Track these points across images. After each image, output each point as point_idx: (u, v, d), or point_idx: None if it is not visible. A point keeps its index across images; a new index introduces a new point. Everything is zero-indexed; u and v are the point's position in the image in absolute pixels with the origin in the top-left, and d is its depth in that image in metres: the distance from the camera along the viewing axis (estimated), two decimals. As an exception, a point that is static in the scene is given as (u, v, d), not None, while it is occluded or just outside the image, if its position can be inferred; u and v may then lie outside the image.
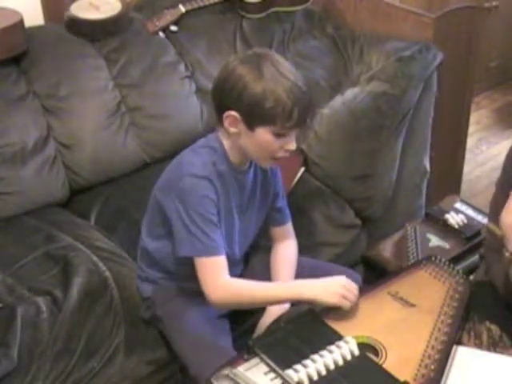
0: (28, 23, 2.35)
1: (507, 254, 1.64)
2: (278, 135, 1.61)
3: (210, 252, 1.64)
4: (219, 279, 1.65)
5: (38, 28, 2.49)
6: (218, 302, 1.67)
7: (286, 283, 1.76)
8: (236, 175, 1.72)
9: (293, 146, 1.65)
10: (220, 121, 1.65)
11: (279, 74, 1.58)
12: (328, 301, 1.59)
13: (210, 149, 1.69)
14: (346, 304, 1.58)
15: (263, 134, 1.61)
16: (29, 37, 2.35)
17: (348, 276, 1.90)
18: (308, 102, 1.62)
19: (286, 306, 1.77)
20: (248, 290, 1.68)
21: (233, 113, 1.61)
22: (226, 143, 1.69)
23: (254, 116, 1.59)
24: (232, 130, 1.64)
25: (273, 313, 1.76)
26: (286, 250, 1.89)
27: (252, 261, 1.95)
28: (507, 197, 1.71)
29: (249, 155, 1.70)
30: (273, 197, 1.86)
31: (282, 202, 1.90)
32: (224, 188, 1.69)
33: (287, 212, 1.92)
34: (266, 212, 1.86)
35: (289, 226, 1.92)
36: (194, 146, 1.74)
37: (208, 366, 1.52)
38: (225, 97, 1.62)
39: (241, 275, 1.84)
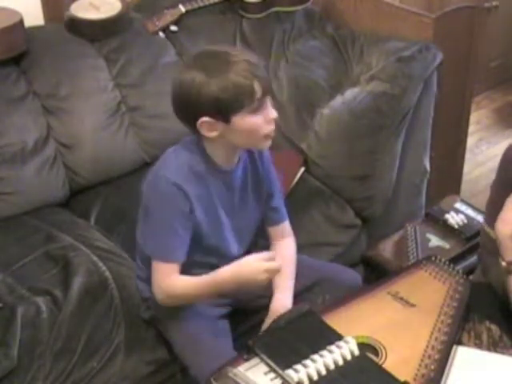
0: (28, 23, 2.35)
1: (503, 264, 1.64)
2: (253, 112, 1.61)
3: (163, 257, 1.69)
4: (164, 281, 1.69)
5: (38, 28, 2.50)
6: (161, 303, 1.73)
7: (219, 276, 1.70)
8: (221, 175, 1.72)
9: (273, 113, 1.66)
10: (196, 131, 1.65)
11: (223, 63, 1.58)
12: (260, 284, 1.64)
13: (188, 151, 1.70)
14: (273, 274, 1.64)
15: (242, 120, 1.61)
16: (29, 37, 2.35)
17: (348, 275, 1.91)
18: (261, 68, 1.63)
19: (289, 303, 1.77)
20: (184, 289, 1.70)
21: (204, 119, 1.61)
22: (209, 146, 1.69)
23: (223, 111, 1.59)
24: (213, 133, 1.64)
25: (276, 311, 1.75)
26: (285, 250, 1.88)
27: None
28: (502, 199, 1.71)
29: (243, 146, 1.71)
30: (268, 196, 1.85)
31: (278, 202, 1.89)
32: (204, 189, 1.69)
33: (284, 211, 1.91)
34: (262, 211, 1.86)
35: (286, 225, 1.92)
36: (173, 148, 1.75)
37: (208, 366, 1.52)
38: (187, 110, 1.63)
39: None
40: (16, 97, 2.29)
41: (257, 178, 1.81)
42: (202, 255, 1.74)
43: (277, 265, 1.63)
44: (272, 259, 1.63)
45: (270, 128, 1.66)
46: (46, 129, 2.33)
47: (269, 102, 1.66)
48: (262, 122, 1.64)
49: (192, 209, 1.68)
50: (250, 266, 1.63)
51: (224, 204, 1.74)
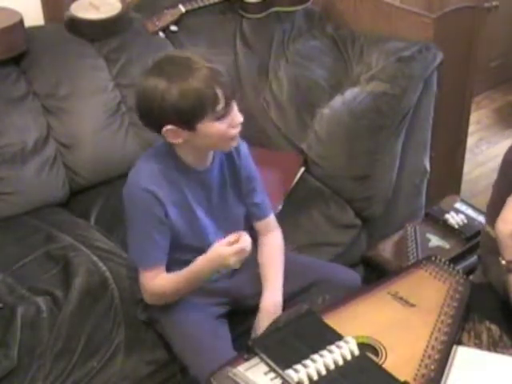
0: (28, 23, 2.35)
1: (503, 263, 1.64)
2: (218, 119, 1.61)
3: (143, 264, 1.73)
4: (148, 284, 1.73)
5: (38, 28, 2.50)
6: (151, 303, 1.77)
7: (195, 267, 1.72)
8: (195, 176, 1.72)
9: (238, 118, 1.65)
10: (163, 138, 1.65)
11: (185, 70, 1.56)
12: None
13: (160, 156, 1.70)
14: (235, 263, 1.66)
15: (206, 127, 1.60)
16: (29, 37, 2.35)
17: (348, 276, 1.91)
18: (225, 76, 1.61)
19: (279, 301, 1.78)
20: (167, 286, 1.73)
21: (168, 127, 1.60)
22: (179, 149, 1.69)
23: (186, 119, 1.58)
24: (177, 140, 1.63)
25: (266, 309, 1.77)
26: (271, 243, 1.89)
27: None
28: (503, 200, 1.71)
29: (209, 150, 1.72)
30: (249, 192, 1.85)
31: (260, 197, 1.88)
32: (177, 192, 1.70)
33: (267, 205, 1.91)
34: (243, 207, 1.86)
35: (270, 219, 1.92)
36: (145, 154, 1.76)
37: (208, 366, 1.52)
38: (150, 117, 1.62)
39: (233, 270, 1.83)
40: (16, 97, 2.29)
41: (234, 174, 1.81)
42: (183, 253, 1.75)
43: (241, 246, 1.64)
44: (236, 241, 1.64)
45: (235, 131, 1.66)
46: (46, 129, 2.33)
47: (235, 107, 1.65)
48: (227, 127, 1.63)
49: (167, 213, 1.69)
50: (217, 253, 1.66)
51: (202, 204, 1.75)
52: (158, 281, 1.72)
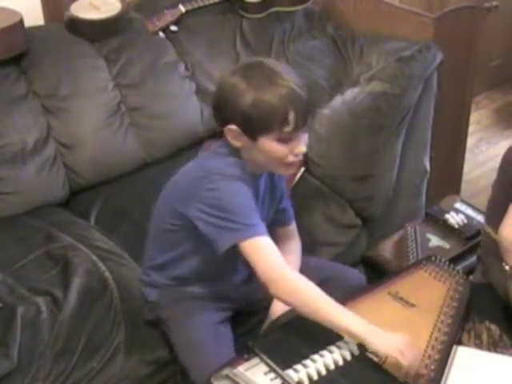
0: (28, 23, 2.35)
1: (507, 268, 1.64)
2: (281, 141, 1.59)
3: (252, 233, 1.57)
4: (272, 265, 1.56)
5: (38, 28, 2.50)
6: (278, 297, 1.59)
7: (352, 313, 1.53)
8: (252, 181, 1.68)
9: (301, 148, 1.62)
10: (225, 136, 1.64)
11: (268, 81, 1.56)
12: (384, 354, 1.46)
13: (233, 156, 1.65)
14: (404, 361, 1.44)
15: (267, 143, 1.59)
16: (29, 37, 2.35)
17: (352, 275, 1.90)
18: (305, 103, 1.59)
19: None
20: (312, 292, 1.54)
21: (232, 127, 1.59)
22: (243, 153, 1.66)
23: (251, 127, 1.57)
24: (236, 143, 1.62)
25: (275, 315, 1.74)
26: (290, 254, 1.84)
27: None
28: (503, 200, 1.71)
29: (263, 167, 1.68)
30: (279, 199, 1.84)
31: (286, 203, 1.88)
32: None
33: (291, 213, 1.90)
34: (272, 215, 1.84)
35: (292, 228, 1.91)
36: (209, 155, 1.70)
37: (209, 371, 1.50)
38: (221, 112, 1.62)
39: (249, 276, 1.81)
40: (16, 97, 2.29)
41: (272, 183, 1.80)
42: (216, 263, 1.72)
43: (411, 359, 1.46)
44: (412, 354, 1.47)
45: (292, 159, 1.63)
46: (46, 129, 2.33)
47: (302, 138, 1.62)
48: (287, 152, 1.61)
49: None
50: (402, 336, 1.49)
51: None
52: (291, 271, 1.58)
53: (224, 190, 1.59)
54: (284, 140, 1.59)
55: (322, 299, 1.52)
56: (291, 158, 1.62)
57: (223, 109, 1.60)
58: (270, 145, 1.59)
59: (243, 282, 1.84)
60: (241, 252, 1.58)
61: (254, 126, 1.57)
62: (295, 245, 1.90)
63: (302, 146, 1.62)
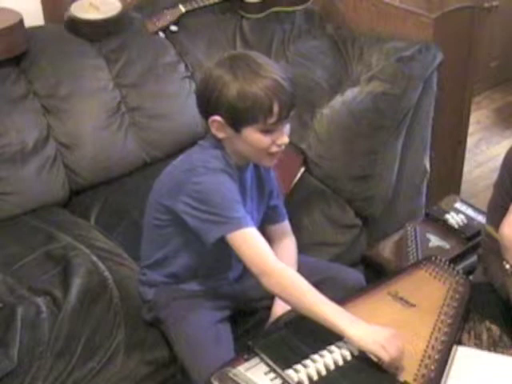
0: (28, 23, 2.35)
1: (507, 267, 1.64)
2: (265, 132, 1.61)
3: (238, 225, 1.59)
4: (259, 256, 1.59)
5: (38, 28, 2.49)
6: (266, 288, 1.59)
7: (338, 306, 1.54)
8: (237, 172, 1.71)
9: (284, 139, 1.65)
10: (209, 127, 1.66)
11: (253, 73, 1.58)
12: (366, 347, 1.46)
13: (217, 149, 1.68)
14: (385, 356, 1.44)
15: (250, 134, 1.61)
16: (29, 37, 2.35)
17: (351, 275, 1.90)
18: (289, 95, 1.62)
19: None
20: (299, 284, 1.57)
21: (217, 118, 1.61)
22: (225, 145, 1.68)
23: (236, 118, 1.60)
24: (220, 134, 1.64)
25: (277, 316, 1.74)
26: (286, 252, 1.86)
27: None
28: (503, 200, 1.71)
29: (246, 157, 1.70)
30: (268, 194, 1.85)
31: (277, 200, 1.89)
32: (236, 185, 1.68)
33: (283, 210, 1.91)
34: (263, 212, 1.85)
35: (285, 225, 1.91)
36: (196, 147, 1.73)
37: (209, 371, 1.51)
38: (205, 103, 1.64)
39: (244, 273, 1.82)
40: (16, 97, 2.29)
41: (260, 178, 1.81)
42: (207, 258, 1.74)
43: (393, 353, 1.45)
44: (395, 348, 1.47)
45: (275, 150, 1.65)
46: (46, 129, 2.33)
47: (285, 127, 1.65)
48: (270, 143, 1.63)
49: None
50: (387, 329, 1.50)
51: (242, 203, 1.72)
52: (279, 263, 1.60)
53: (208, 184, 1.62)
54: (267, 131, 1.61)
55: (309, 291, 1.54)
56: (274, 149, 1.65)
57: (208, 100, 1.62)
58: (253, 136, 1.61)
59: (239, 279, 1.84)
60: (229, 245, 1.61)
61: (238, 117, 1.59)
62: (289, 242, 1.90)
63: (284, 137, 1.65)
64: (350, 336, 1.47)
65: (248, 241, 1.60)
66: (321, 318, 1.50)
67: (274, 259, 1.60)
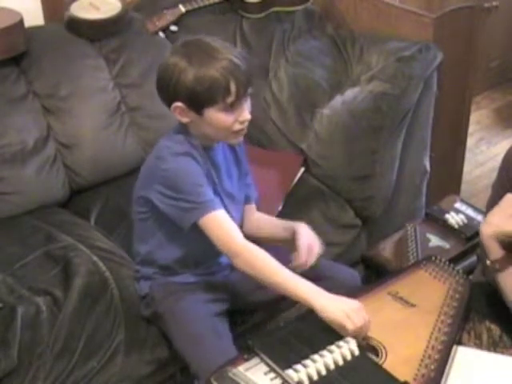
0: (28, 23, 2.35)
1: (488, 263, 1.64)
2: (226, 111, 1.65)
3: (206, 210, 1.65)
4: (229, 238, 1.66)
5: (38, 28, 2.49)
6: (238, 268, 1.67)
7: (303, 279, 1.63)
8: (205, 153, 1.74)
9: (246, 116, 1.69)
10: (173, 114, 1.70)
11: (208, 57, 1.62)
12: (331, 316, 1.52)
13: (180, 133, 1.74)
14: (349, 325, 1.49)
15: (213, 115, 1.66)
16: (29, 37, 2.34)
17: (348, 275, 1.91)
18: (244, 73, 1.65)
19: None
20: (269, 261, 1.64)
21: (178, 104, 1.66)
22: (190, 128, 1.73)
23: (196, 101, 1.64)
24: (184, 119, 1.69)
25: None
26: (261, 216, 1.95)
27: None
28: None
29: (213, 138, 1.74)
30: (245, 173, 1.90)
31: (250, 179, 1.94)
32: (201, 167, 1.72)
33: (254, 190, 1.95)
34: (244, 188, 1.89)
35: (254, 206, 1.96)
36: (168, 134, 1.78)
37: (208, 362, 1.52)
38: (165, 91, 1.69)
39: None
40: (16, 97, 2.29)
41: (237, 159, 1.86)
42: (189, 239, 1.76)
43: (357, 323, 1.51)
44: (361, 319, 1.52)
45: (239, 127, 1.70)
46: (46, 129, 2.33)
47: (245, 104, 1.69)
48: (233, 121, 1.67)
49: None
50: (352, 301, 1.56)
51: (212, 182, 1.76)
52: (254, 248, 1.65)
53: (174, 170, 1.68)
54: (228, 110, 1.65)
55: (279, 268, 1.62)
56: (237, 126, 1.69)
57: (167, 88, 1.67)
58: (215, 116, 1.66)
59: (230, 266, 1.84)
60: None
61: (198, 100, 1.64)
62: (257, 214, 1.96)
63: (246, 114, 1.69)
64: (317, 306, 1.53)
65: (217, 224, 1.66)
66: (292, 293, 1.59)
67: (241, 239, 1.66)
